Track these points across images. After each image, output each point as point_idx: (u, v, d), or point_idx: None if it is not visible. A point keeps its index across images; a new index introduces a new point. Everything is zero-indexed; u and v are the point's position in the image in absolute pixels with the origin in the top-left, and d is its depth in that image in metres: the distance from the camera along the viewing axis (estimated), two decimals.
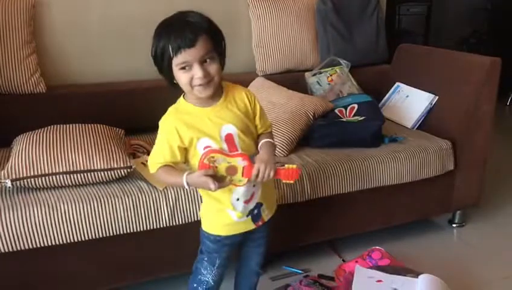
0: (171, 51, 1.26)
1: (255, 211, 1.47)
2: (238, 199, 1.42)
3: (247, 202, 1.43)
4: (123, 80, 2.54)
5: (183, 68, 1.28)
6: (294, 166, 1.36)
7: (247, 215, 1.46)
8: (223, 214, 1.45)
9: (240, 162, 1.32)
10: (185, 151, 1.39)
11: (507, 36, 5.16)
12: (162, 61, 1.30)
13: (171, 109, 1.40)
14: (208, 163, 1.30)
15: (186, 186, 1.34)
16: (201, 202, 1.55)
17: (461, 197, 2.42)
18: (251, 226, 1.49)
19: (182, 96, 1.41)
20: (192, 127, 1.35)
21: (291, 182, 1.38)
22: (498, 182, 3.03)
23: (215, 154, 1.31)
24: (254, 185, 1.43)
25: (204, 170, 1.30)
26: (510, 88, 4.84)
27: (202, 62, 1.28)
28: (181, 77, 1.30)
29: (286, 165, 1.37)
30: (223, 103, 1.39)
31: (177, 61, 1.27)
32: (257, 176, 1.32)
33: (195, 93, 1.32)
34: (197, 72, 1.27)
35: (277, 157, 2.11)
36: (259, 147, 1.44)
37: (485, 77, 2.25)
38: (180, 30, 1.25)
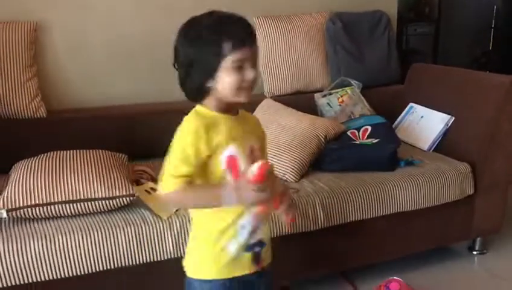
0: (231, 45, 1.12)
1: (256, 249, 1.26)
2: (244, 227, 1.21)
3: (251, 233, 1.22)
4: (126, 103, 2.47)
5: (239, 67, 1.14)
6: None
7: (248, 250, 1.24)
8: (223, 250, 1.22)
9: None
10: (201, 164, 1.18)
11: None
12: (200, 66, 1.15)
13: (192, 116, 1.20)
14: (267, 177, 1.11)
15: (217, 203, 1.16)
16: (189, 242, 1.33)
17: (482, 223, 2.30)
18: (250, 267, 1.25)
19: (195, 107, 1.23)
20: (218, 130, 1.17)
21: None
22: None
23: (272, 169, 1.18)
24: None
25: (263, 184, 1.11)
26: None
27: (254, 65, 1.17)
28: (231, 78, 1.14)
29: None
30: (240, 117, 1.26)
31: (235, 57, 1.13)
32: (283, 207, 1.24)
33: (239, 98, 1.17)
34: (250, 73, 1.15)
35: (288, 182, 2.01)
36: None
37: (506, 97, 2.16)
38: (240, 25, 1.15)
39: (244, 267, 1.26)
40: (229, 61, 1.13)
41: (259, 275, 1.30)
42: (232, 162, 1.18)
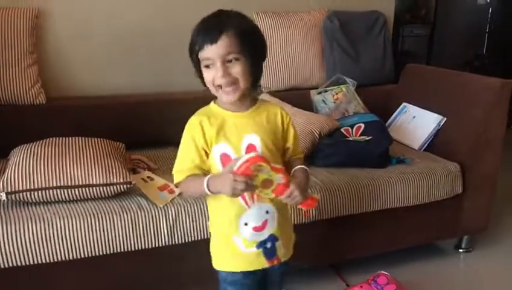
0: (197, 45, 1.21)
1: (268, 245, 1.31)
2: (246, 224, 1.29)
3: (257, 229, 1.29)
4: (124, 93, 2.49)
5: (207, 66, 1.22)
6: (317, 196, 1.34)
7: (258, 247, 1.31)
8: (229, 243, 1.32)
9: (278, 179, 1.21)
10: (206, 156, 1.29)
11: (509, 57, 5.16)
12: (192, 56, 1.25)
13: (200, 110, 1.33)
14: (252, 171, 1.17)
15: (206, 190, 1.22)
16: (210, 236, 1.42)
17: (469, 222, 2.36)
18: (264, 262, 1.33)
19: (212, 101, 1.34)
20: (216, 126, 1.26)
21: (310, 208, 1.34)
22: (505, 206, 2.96)
23: (263, 164, 1.18)
24: (267, 212, 1.30)
25: (243, 176, 1.16)
26: None
27: (225, 62, 1.20)
28: (205, 75, 1.24)
29: (311, 195, 1.31)
30: (253, 113, 1.31)
31: (201, 56, 1.22)
32: (287, 198, 1.23)
33: (221, 96, 1.26)
34: (217, 71, 1.20)
35: None
36: (293, 171, 1.35)
37: (496, 99, 2.21)
38: (208, 25, 1.21)
39: (254, 264, 1.33)
40: (200, 58, 1.22)
41: (274, 266, 1.36)
42: (224, 160, 1.26)
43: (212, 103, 1.33)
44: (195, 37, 1.22)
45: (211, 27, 1.20)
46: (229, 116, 1.29)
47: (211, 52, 1.19)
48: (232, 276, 1.35)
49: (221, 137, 1.26)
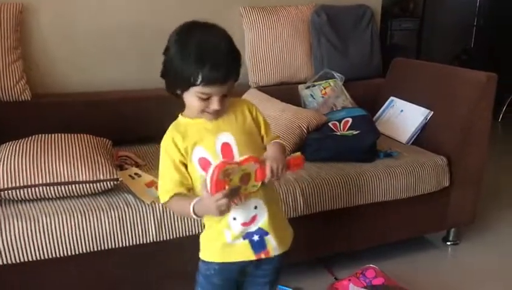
0: (200, 79, 1.17)
1: (255, 237, 1.30)
2: (234, 219, 1.28)
3: (245, 224, 1.28)
4: (110, 89, 2.47)
5: (205, 99, 1.21)
6: (298, 154, 1.32)
7: (245, 238, 1.29)
8: (220, 235, 1.30)
9: (252, 167, 1.20)
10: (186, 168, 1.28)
11: (497, 51, 5.19)
12: (177, 79, 1.21)
13: (170, 127, 1.32)
14: (223, 179, 1.15)
15: (195, 217, 1.23)
16: (203, 228, 1.39)
17: (456, 215, 2.38)
18: (250, 255, 1.31)
19: (180, 114, 1.32)
20: (187, 136, 1.27)
21: (299, 169, 1.33)
22: (491, 199, 2.99)
23: (229, 166, 1.16)
24: (256, 207, 1.28)
25: (221, 193, 1.14)
26: (502, 104, 4.86)
27: (223, 96, 1.23)
28: (195, 103, 1.22)
29: (291, 156, 1.31)
30: (222, 116, 1.30)
31: (201, 90, 1.19)
32: (272, 175, 1.22)
33: (202, 117, 1.27)
34: (214, 104, 1.22)
35: None
36: (267, 149, 1.34)
37: (481, 93, 2.22)
38: (217, 63, 1.17)
39: (240, 254, 1.32)
40: (197, 90, 1.19)
41: (256, 265, 1.35)
42: (203, 164, 1.25)
43: (180, 116, 1.31)
44: (199, 70, 1.16)
45: (221, 68, 1.17)
46: (200, 123, 1.28)
47: (214, 90, 1.20)
48: (209, 264, 1.34)
49: (195, 143, 1.27)
